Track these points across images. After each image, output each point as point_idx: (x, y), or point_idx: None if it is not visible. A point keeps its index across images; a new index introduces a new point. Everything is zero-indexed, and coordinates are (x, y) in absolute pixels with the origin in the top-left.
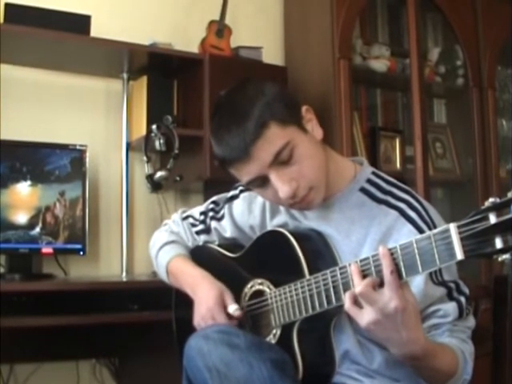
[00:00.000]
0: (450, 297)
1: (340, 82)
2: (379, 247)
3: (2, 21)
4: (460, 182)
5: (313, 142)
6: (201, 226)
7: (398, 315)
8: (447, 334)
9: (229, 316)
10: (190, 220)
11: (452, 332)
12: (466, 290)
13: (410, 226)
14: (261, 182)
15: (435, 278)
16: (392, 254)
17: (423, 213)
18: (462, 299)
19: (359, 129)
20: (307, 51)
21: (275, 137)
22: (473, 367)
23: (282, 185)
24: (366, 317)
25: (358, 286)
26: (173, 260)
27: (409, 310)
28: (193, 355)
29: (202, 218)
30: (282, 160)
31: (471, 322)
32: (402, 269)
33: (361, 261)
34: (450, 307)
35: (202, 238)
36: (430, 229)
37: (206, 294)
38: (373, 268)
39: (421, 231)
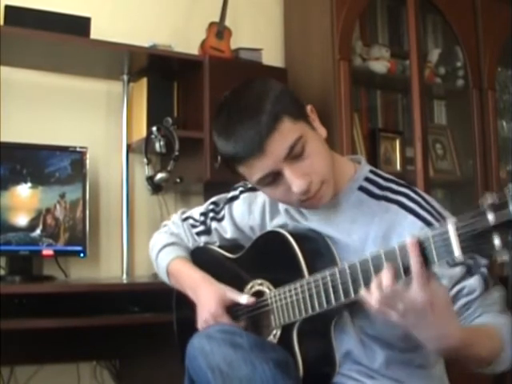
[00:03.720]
0: (470, 273)
1: (340, 84)
2: (407, 238)
3: (2, 23)
4: (460, 183)
5: (320, 139)
6: (201, 227)
7: (426, 312)
8: (480, 312)
9: (231, 318)
10: (190, 221)
11: (484, 308)
12: (485, 261)
13: (411, 217)
14: (272, 179)
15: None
16: (422, 244)
17: (423, 202)
18: (484, 270)
19: (359, 130)
20: (307, 53)
21: (288, 130)
22: None
23: (296, 179)
24: (394, 315)
25: (387, 282)
26: (173, 262)
27: (438, 305)
28: (195, 355)
29: (202, 218)
30: (295, 154)
31: (499, 290)
32: (435, 257)
33: (386, 253)
34: (475, 281)
35: (203, 239)
36: (432, 215)
37: (207, 298)
38: (399, 260)
39: (423, 219)
